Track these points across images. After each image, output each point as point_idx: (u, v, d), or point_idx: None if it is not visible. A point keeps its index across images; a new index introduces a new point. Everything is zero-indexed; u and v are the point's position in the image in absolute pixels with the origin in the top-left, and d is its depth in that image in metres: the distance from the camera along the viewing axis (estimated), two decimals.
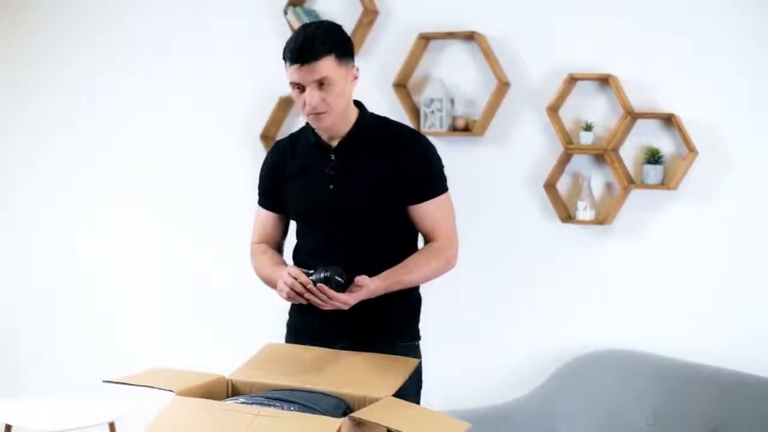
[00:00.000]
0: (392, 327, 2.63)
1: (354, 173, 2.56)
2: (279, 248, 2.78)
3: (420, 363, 2.63)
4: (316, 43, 2.44)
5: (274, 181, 2.70)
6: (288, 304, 2.73)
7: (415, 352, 2.65)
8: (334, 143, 2.58)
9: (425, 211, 2.57)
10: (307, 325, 2.66)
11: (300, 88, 2.49)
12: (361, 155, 2.56)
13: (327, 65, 2.45)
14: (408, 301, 2.66)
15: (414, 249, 2.64)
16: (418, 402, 2.59)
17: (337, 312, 2.51)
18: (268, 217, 2.76)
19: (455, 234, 2.63)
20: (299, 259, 2.67)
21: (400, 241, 2.61)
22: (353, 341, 2.55)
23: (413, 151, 2.57)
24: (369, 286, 2.43)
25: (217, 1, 4.41)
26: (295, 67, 2.46)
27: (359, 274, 2.44)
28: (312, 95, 2.46)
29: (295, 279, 2.41)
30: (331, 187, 2.57)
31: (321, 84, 2.45)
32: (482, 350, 4.00)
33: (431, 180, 2.58)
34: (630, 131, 3.66)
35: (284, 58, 2.49)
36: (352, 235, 2.56)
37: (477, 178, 3.95)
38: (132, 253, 4.68)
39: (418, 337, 2.69)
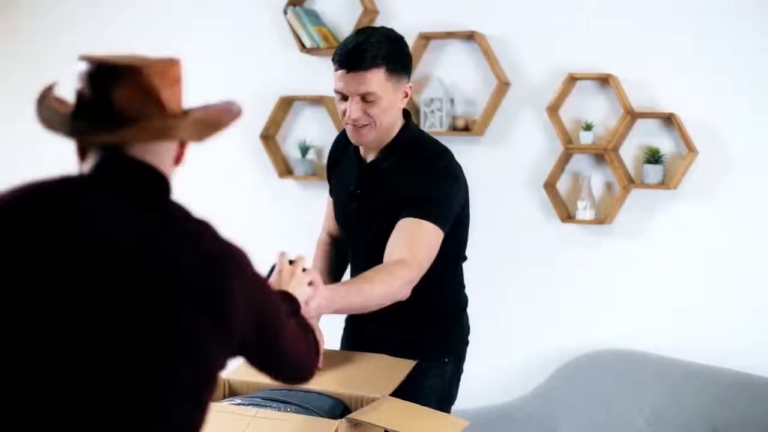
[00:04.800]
0: (414, 343, 2.48)
1: (375, 202, 2.41)
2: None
3: (447, 377, 2.53)
4: (368, 51, 2.27)
5: (330, 168, 2.63)
6: None
7: (437, 367, 2.50)
8: (369, 157, 2.46)
9: (401, 227, 2.29)
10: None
11: (343, 96, 2.33)
12: (386, 183, 2.40)
13: (375, 78, 2.28)
14: (436, 316, 2.53)
15: (449, 275, 2.52)
16: (448, 410, 2.53)
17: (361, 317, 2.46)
18: (332, 203, 2.66)
19: (422, 262, 2.28)
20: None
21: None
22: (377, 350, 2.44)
23: (422, 177, 2.35)
24: (319, 287, 2.10)
25: (217, 1, 4.41)
26: (341, 72, 2.29)
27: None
28: (354, 107, 2.30)
29: None
30: (355, 205, 2.47)
31: (365, 97, 2.30)
32: (482, 350, 3.99)
33: (419, 202, 2.31)
34: (630, 131, 3.66)
35: (333, 60, 2.33)
36: (377, 253, 2.40)
37: (477, 178, 3.93)
38: None
39: (447, 354, 2.54)
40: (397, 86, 2.33)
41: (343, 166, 2.56)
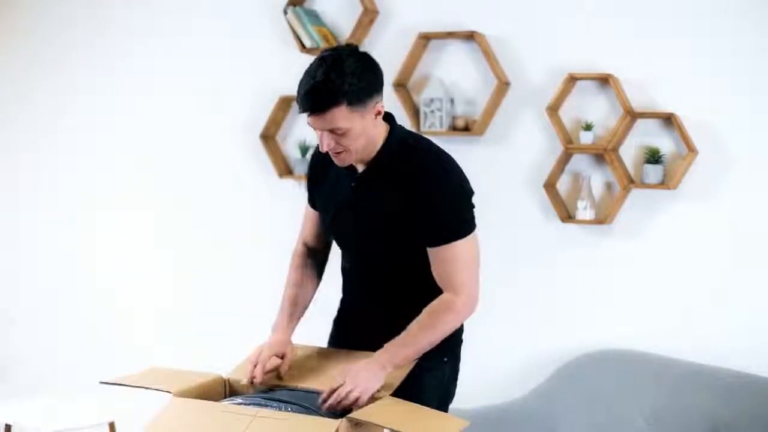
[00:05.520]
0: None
1: (372, 206, 2.42)
2: (327, 244, 2.68)
3: (446, 376, 2.54)
4: (323, 92, 2.23)
5: (313, 181, 2.61)
6: None
7: (437, 367, 2.50)
8: (360, 168, 2.45)
9: (433, 258, 2.39)
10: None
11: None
12: (380, 188, 2.41)
13: (337, 116, 2.25)
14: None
15: None
16: (446, 409, 2.53)
17: (355, 319, 2.49)
18: (312, 214, 2.65)
19: (468, 281, 2.43)
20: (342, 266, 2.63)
21: (428, 266, 2.44)
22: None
23: (426, 192, 2.36)
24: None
25: (218, 1, 4.40)
26: (305, 113, 2.30)
27: (387, 302, 2.43)
28: (325, 140, 2.31)
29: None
30: (352, 214, 2.46)
31: (333, 131, 2.29)
32: (482, 350, 3.99)
33: (438, 227, 2.37)
34: (630, 131, 3.66)
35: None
36: (377, 261, 2.47)
37: (477, 178, 3.88)
38: (132, 253, 4.68)
39: (445, 353, 2.53)
40: (365, 112, 2.29)
41: (332, 177, 2.52)
